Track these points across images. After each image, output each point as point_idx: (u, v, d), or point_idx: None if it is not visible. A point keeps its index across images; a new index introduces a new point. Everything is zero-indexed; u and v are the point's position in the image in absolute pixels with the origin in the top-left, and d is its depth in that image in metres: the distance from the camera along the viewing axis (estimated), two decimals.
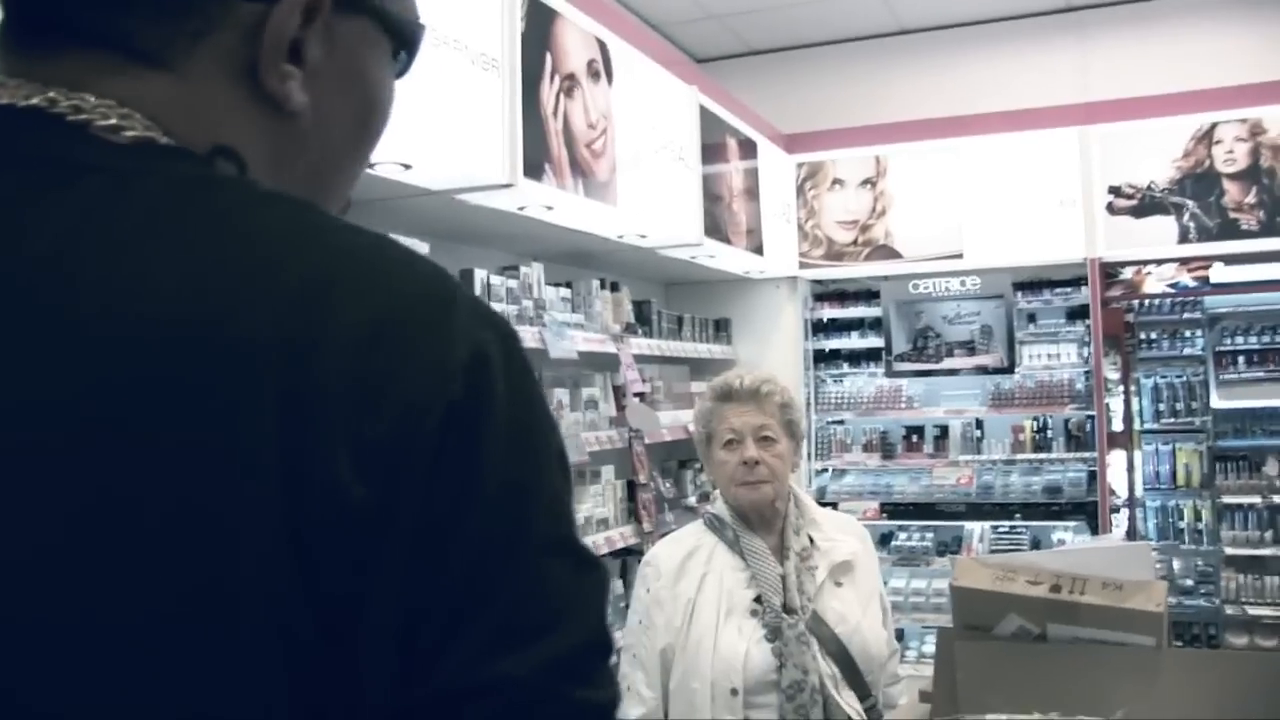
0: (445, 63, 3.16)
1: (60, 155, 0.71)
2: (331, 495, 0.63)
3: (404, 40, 0.88)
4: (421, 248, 3.38)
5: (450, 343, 0.68)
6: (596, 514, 4.38)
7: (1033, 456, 6.66)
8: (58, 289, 0.65)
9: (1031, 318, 6.79)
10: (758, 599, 2.70)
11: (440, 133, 3.13)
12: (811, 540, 2.80)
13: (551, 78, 3.75)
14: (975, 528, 6.62)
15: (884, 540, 6.51)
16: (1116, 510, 6.30)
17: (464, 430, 0.67)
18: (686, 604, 2.73)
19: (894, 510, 6.78)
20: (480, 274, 3.73)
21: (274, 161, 0.79)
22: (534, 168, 3.59)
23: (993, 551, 6.16)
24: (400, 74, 0.90)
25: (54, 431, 0.62)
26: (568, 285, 4.57)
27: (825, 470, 7.03)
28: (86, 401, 0.63)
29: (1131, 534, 6.29)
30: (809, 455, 6.70)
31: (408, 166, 3.07)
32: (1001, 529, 6.57)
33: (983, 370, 6.66)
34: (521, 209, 3.77)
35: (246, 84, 0.76)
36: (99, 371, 0.63)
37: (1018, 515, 6.55)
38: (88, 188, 0.69)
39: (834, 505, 6.22)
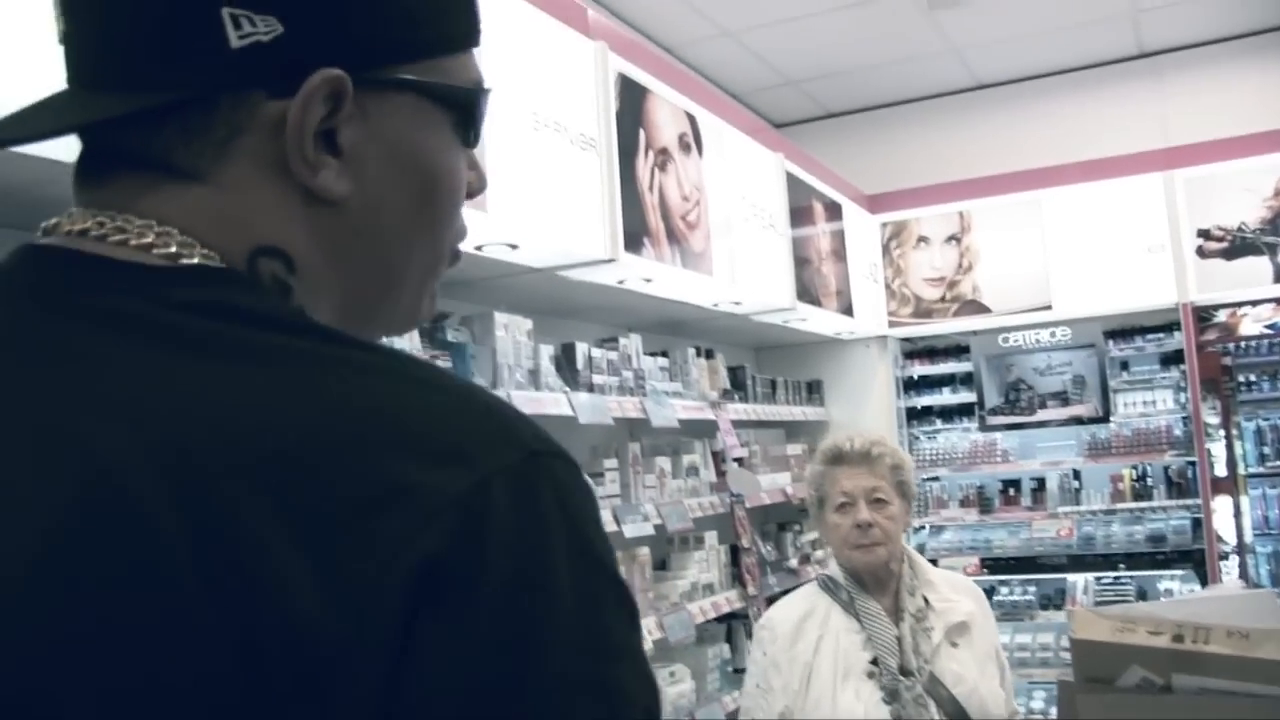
0: (547, 145, 3.26)
1: (73, 283, 0.72)
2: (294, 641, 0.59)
3: (460, 108, 0.84)
4: (525, 324, 3.48)
5: (437, 467, 0.64)
6: (702, 579, 4.41)
7: (1134, 505, 6.58)
8: (35, 420, 0.66)
9: (1124, 365, 6.74)
10: (874, 661, 2.72)
11: (544, 212, 3.23)
12: (927, 601, 2.82)
13: (646, 153, 3.84)
14: (1078, 580, 6.54)
15: (986, 596, 6.43)
16: (1225, 557, 6.18)
17: (438, 605, 0.61)
18: (804, 667, 2.75)
19: (994, 565, 6.71)
20: (582, 347, 3.80)
21: (329, 253, 0.78)
22: (633, 242, 3.67)
23: (1098, 603, 6.07)
24: (469, 143, 0.87)
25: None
26: (664, 354, 4.63)
27: (923, 527, 6.99)
28: (54, 533, 0.62)
29: (1244, 581, 6.16)
30: None
31: (514, 246, 3.17)
32: (1105, 580, 6.49)
33: (1077, 420, 6.63)
34: (621, 282, 3.86)
35: (284, 180, 0.76)
36: (68, 496, 0.63)
37: (1121, 565, 6.48)
38: (87, 317, 0.70)
39: (934, 562, 6.17)
